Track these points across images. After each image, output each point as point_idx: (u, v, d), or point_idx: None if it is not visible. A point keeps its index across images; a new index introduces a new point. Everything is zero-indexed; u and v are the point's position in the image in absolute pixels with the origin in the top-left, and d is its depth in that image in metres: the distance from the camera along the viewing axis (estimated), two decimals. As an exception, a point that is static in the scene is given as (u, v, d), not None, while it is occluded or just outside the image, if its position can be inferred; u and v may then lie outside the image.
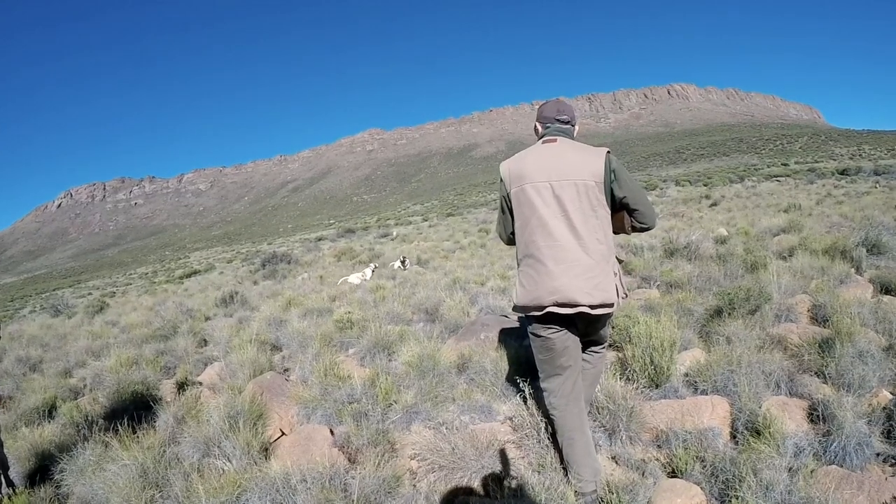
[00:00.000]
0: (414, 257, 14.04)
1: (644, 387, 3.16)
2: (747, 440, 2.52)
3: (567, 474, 2.42)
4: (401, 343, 4.43)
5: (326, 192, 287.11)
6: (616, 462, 2.67)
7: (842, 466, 2.36)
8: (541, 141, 2.49)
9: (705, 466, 2.42)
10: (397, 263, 12.60)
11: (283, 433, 3.42)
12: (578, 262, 2.27)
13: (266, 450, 3.05)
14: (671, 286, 5.48)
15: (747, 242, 7.72)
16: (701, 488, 2.31)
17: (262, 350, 4.87)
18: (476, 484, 2.58)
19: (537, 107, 2.63)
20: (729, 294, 4.22)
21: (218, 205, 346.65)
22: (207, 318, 8.23)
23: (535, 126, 2.59)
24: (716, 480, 2.33)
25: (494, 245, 14.91)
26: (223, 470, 2.73)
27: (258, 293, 10.87)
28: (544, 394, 2.53)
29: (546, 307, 2.31)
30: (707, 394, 3.03)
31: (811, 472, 2.26)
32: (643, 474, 2.50)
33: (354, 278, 10.77)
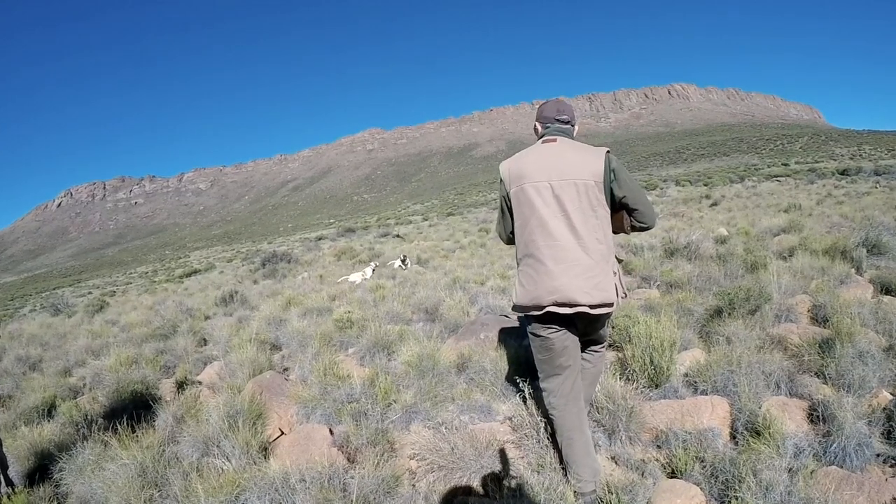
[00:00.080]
0: (414, 257, 14.04)
1: (644, 387, 3.16)
2: (747, 441, 2.52)
3: (566, 474, 2.42)
4: (400, 342, 4.43)
5: (326, 191, 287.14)
6: (615, 462, 2.67)
7: (842, 467, 2.36)
8: (540, 141, 2.48)
9: (705, 467, 2.42)
10: (398, 262, 12.59)
11: (283, 432, 3.41)
12: (578, 262, 2.27)
13: (265, 449, 3.04)
14: (671, 286, 5.48)
15: (747, 242, 7.71)
16: (700, 489, 2.30)
17: (262, 349, 4.87)
18: (475, 484, 2.58)
19: (537, 106, 2.63)
20: (729, 294, 4.21)
21: (218, 204, 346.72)
22: (207, 318, 8.23)
23: (535, 126, 2.59)
24: (715, 481, 2.33)
25: (494, 245, 14.90)
26: (222, 469, 2.73)
27: (258, 292, 10.86)
28: (543, 393, 2.53)
29: (545, 307, 2.31)
30: (707, 394, 3.03)
31: (811, 472, 2.26)
32: (643, 475, 2.50)
33: (355, 277, 10.77)
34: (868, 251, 5.82)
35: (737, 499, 2.16)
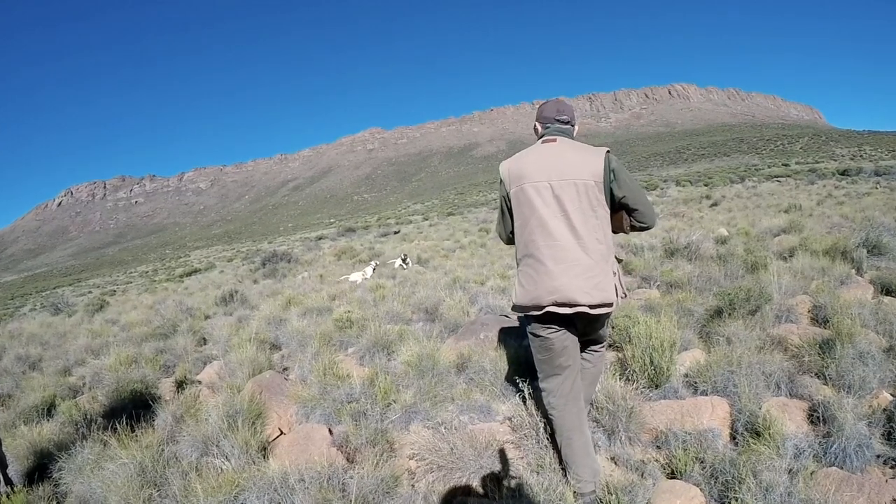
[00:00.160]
0: (414, 256, 14.03)
1: (644, 387, 3.15)
2: (747, 441, 2.51)
3: (566, 475, 2.41)
4: (400, 342, 4.43)
5: (327, 190, 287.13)
6: (615, 463, 2.66)
7: (842, 468, 2.35)
8: (540, 141, 2.48)
9: (705, 468, 2.41)
10: (398, 262, 12.60)
11: (282, 432, 3.41)
12: (578, 262, 2.27)
13: (265, 449, 3.04)
14: (671, 286, 5.48)
15: (748, 243, 7.71)
16: (700, 490, 2.30)
17: (262, 349, 4.87)
18: (474, 484, 2.57)
19: (538, 106, 2.63)
20: (729, 294, 4.21)
21: (218, 203, 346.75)
22: (207, 317, 8.23)
23: (535, 126, 2.59)
24: (715, 482, 2.32)
25: (494, 244, 14.90)
26: (221, 469, 2.72)
27: (258, 292, 10.86)
28: (543, 394, 2.53)
29: (545, 307, 2.31)
30: (707, 394, 3.02)
31: (811, 473, 2.25)
32: (642, 475, 2.50)
33: (356, 277, 10.77)
34: (868, 252, 5.82)
35: (737, 500, 2.15)
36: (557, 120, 2.50)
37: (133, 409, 3.92)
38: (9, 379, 5.73)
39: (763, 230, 9.30)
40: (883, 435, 2.56)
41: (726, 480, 2.28)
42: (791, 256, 6.01)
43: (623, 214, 2.48)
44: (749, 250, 6.57)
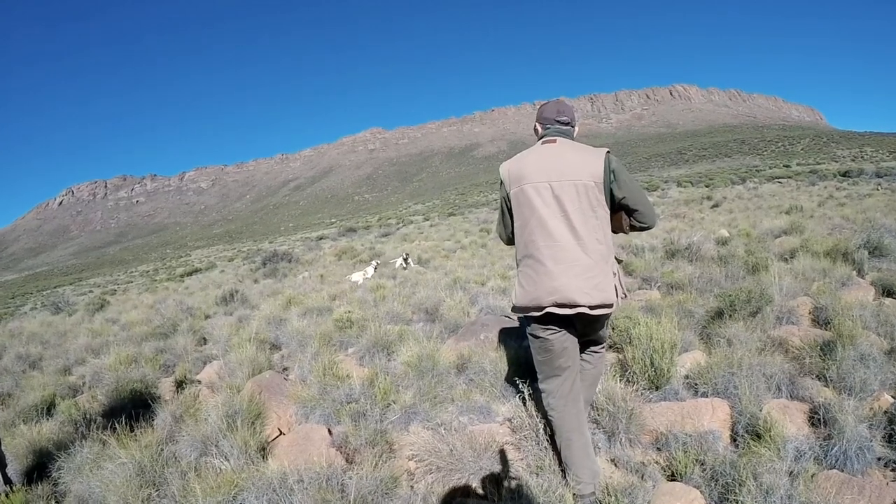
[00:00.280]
0: (415, 256, 14.03)
1: (644, 389, 3.14)
2: (747, 443, 2.51)
3: (565, 476, 2.40)
4: (400, 343, 4.42)
5: (328, 190, 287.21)
6: (615, 464, 2.66)
7: (842, 471, 2.34)
8: (540, 141, 2.48)
9: (705, 470, 2.40)
10: (399, 261, 12.60)
11: (282, 432, 3.40)
12: (577, 263, 2.26)
13: (264, 449, 3.03)
14: (672, 287, 5.47)
15: (749, 244, 7.70)
16: (700, 492, 2.29)
17: (262, 349, 4.86)
18: (474, 485, 2.57)
19: (538, 107, 2.63)
20: (730, 296, 4.20)
21: (219, 203, 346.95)
22: (207, 317, 8.23)
23: (535, 127, 2.58)
24: (715, 484, 2.32)
25: (495, 245, 14.89)
26: (220, 469, 2.72)
27: (258, 292, 10.86)
28: (542, 395, 2.52)
29: (545, 307, 2.30)
30: (707, 396, 3.01)
31: (812, 476, 2.25)
32: (642, 477, 2.49)
33: (357, 277, 10.77)
34: (869, 253, 5.81)
35: (737, 502, 2.14)
36: (558, 121, 2.50)
37: (132, 408, 3.92)
38: (9, 378, 5.73)
39: (764, 231, 9.29)
40: (884, 437, 2.55)
41: (727, 483, 2.27)
42: (792, 258, 6.00)
43: (622, 215, 2.48)
44: (750, 252, 6.57)
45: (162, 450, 2.99)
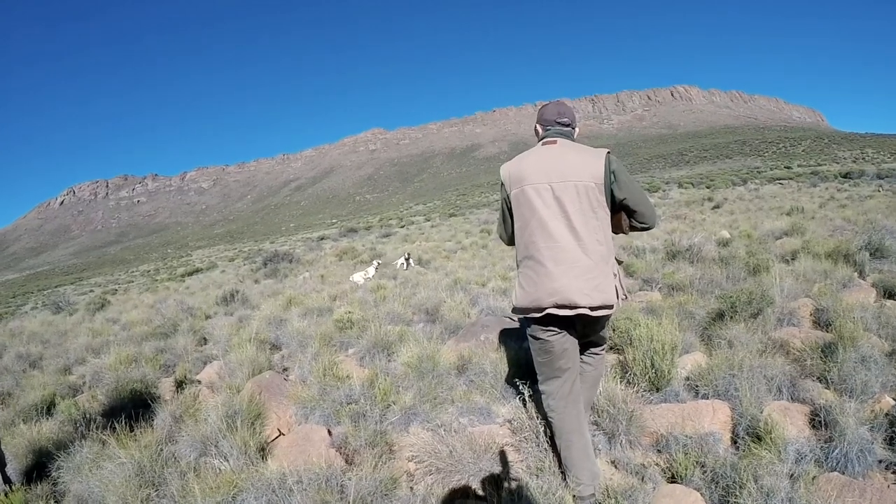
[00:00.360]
0: (415, 257, 14.03)
1: (644, 390, 3.14)
2: (748, 446, 2.50)
3: (565, 478, 2.40)
4: (400, 343, 4.42)
5: (329, 191, 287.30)
6: (615, 466, 2.65)
7: (843, 473, 2.34)
8: (541, 143, 2.48)
9: (705, 472, 2.40)
10: (401, 261, 12.59)
11: (281, 433, 3.40)
12: (578, 264, 2.26)
13: (263, 450, 3.03)
14: (673, 289, 5.46)
15: (750, 245, 7.69)
16: (701, 494, 2.29)
17: (262, 349, 4.86)
18: (473, 487, 2.56)
19: (539, 108, 2.62)
20: (731, 297, 4.19)
21: (220, 203, 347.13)
22: (208, 317, 8.23)
23: (536, 128, 2.58)
24: (716, 486, 2.31)
25: (496, 246, 14.89)
26: (220, 469, 2.72)
27: (259, 292, 10.86)
28: (542, 396, 2.52)
29: (545, 308, 2.30)
30: (708, 398, 3.01)
31: (812, 478, 2.24)
32: (642, 479, 2.48)
33: (358, 277, 10.77)
34: (871, 255, 5.80)
35: (737, 504, 2.14)
36: (558, 122, 2.49)
37: (132, 408, 3.91)
38: (9, 377, 5.73)
39: (765, 233, 9.29)
40: (885, 440, 2.54)
41: (727, 485, 2.27)
42: (793, 259, 6.00)
43: (622, 215, 2.47)
44: (751, 253, 6.56)
45: (161, 450, 2.98)
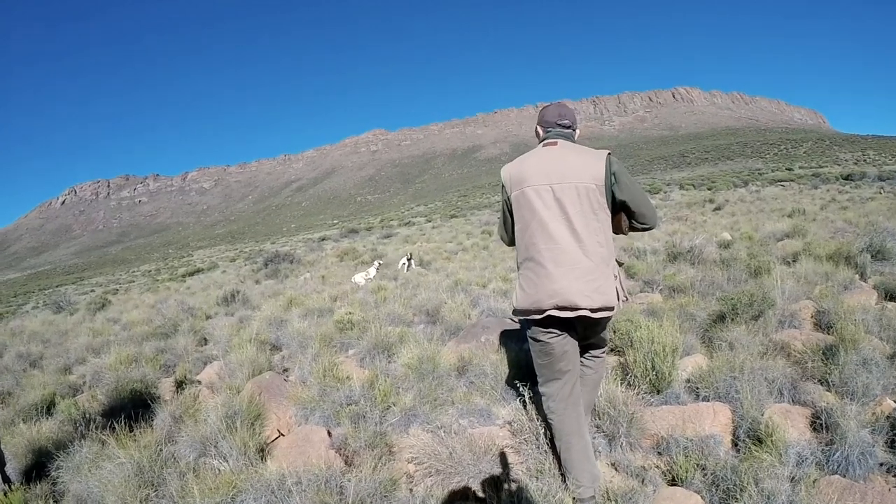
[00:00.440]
0: (416, 258, 14.03)
1: (645, 392, 3.14)
2: (749, 448, 2.49)
3: (565, 480, 2.39)
4: (401, 345, 4.41)
5: (330, 191, 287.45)
6: (616, 469, 2.64)
7: (844, 476, 2.33)
8: (541, 144, 2.47)
9: (706, 475, 2.39)
10: (404, 260, 12.58)
11: (281, 434, 3.40)
12: (578, 265, 2.25)
13: (263, 450, 3.03)
14: (674, 290, 5.46)
15: (751, 247, 7.69)
16: (701, 497, 2.28)
17: (262, 350, 4.85)
18: (473, 489, 2.55)
19: (540, 109, 2.62)
20: (732, 299, 4.18)
21: (222, 203, 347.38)
22: (208, 317, 8.23)
23: (537, 129, 2.58)
24: (716, 489, 2.30)
25: (497, 247, 14.89)
26: (219, 470, 2.71)
27: (260, 292, 10.87)
28: (542, 398, 2.51)
29: (546, 310, 2.29)
30: (709, 400, 3.00)
31: (813, 481, 2.23)
32: (643, 482, 2.48)
33: (359, 278, 10.76)
34: (872, 257, 5.79)
35: (738, 507, 2.13)
36: (559, 124, 2.49)
37: (132, 408, 3.91)
38: (9, 376, 5.73)
39: (766, 235, 9.28)
40: (886, 443, 2.53)
41: (728, 488, 2.26)
42: (794, 261, 5.99)
43: (621, 216, 2.46)
44: (752, 255, 6.55)
45: (161, 450, 2.98)
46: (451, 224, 31.15)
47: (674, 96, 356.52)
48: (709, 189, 31.01)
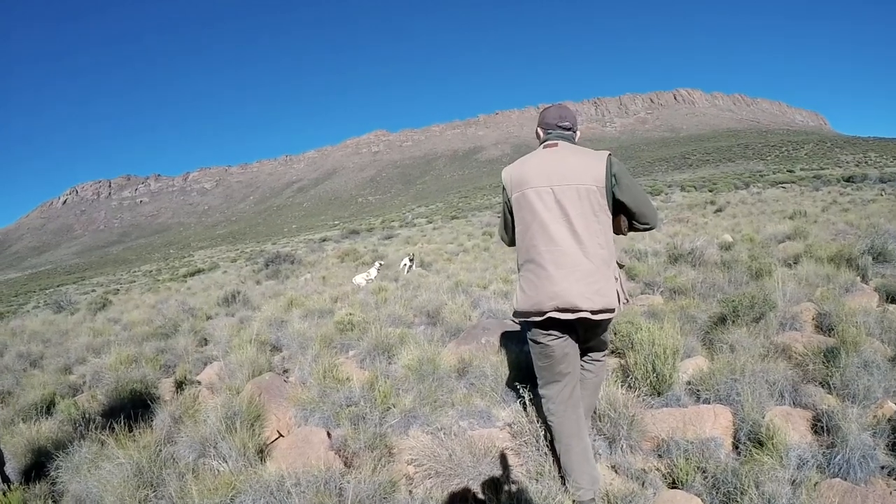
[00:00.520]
0: (417, 259, 14.02)
1: (646, 394, 3.13)
2: (750, 451, 2.48)
3: (565, 483, 2.38)
4: (401, 346, 4.41)
5: (331, 192, 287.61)
6: (616, 471, 2.63)
7: (845, 480, 2.32)
8: (542, 146, 2.47)
9: (706, 478, 2.38)
10: (406, 261, 12.56)
11: (281, 435, 3.39)
12: (579, 267, 2.24)
13: (262, 451, 3.02)
14: (675, 292, 5.44)
15: (752, 249, 7.67)
16: (702, 500, 2.27)
17: (262, 350, 4.85)
18: (473, 491, 2.55)
19: (541, 111, 2.62)
20: (733, 301, 4.18)
21: (223, 204, 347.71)
22: (209, 318, 8.23)
23: (537, 131, 2.57)
24: (717, 492, 2.29)
25: (498, 248, 14.89)
26: (218, 471, 2.71)
27: (261, 293, 10.87)
28: (542, 400, 2.50)
29: (547, 312, 2.28)
30: (710, 403, 3.00)
31: (814, 485, 2.22)
32: (643, 484, 2.47)
33: (360, 279, 10.75)
34: (873, 259, 5.79)
35: (738, 510, 2.12)
36: (559, 126, 2.48)
37: (132, 408, 3.91)
38: (9, 376, 5.73)
39: (768, 236, 9.26)
40: (887, 446, 2.52)
41: (728, 491, 2.25)
42: (796, 263, 5.98)
43: (621, 216, 2.46)
44: (753, 257, 6.54)
45: (160, 451, 2.97)
46: (451, 225, 31.13)
47: (675, 98, 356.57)
48: (710, 191, 30.99)
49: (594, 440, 2.74)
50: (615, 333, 3.77)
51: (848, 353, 3.11)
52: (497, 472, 2.62)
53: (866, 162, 54.67)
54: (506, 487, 2.50)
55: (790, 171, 43.85)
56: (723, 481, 2.30)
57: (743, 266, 5.96)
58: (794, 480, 2.26)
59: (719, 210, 19.41)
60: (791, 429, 2.63)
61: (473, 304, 6.17)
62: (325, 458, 2.77)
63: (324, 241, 34.09)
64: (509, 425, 2.96)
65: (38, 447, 3.45)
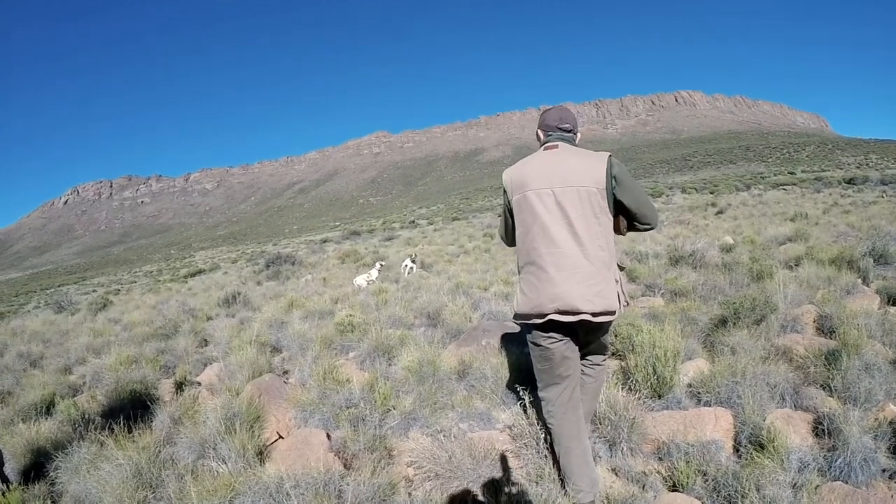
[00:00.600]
0: (418, 261, 14.01)
1: (646, 397, 3.12)
2: (751, 454, 2.47)
3: (565, 485, 2.38)
4: (401, 347, 4.40)
5: (332, 193, 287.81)
6: (616, 474, 2.63)
7: (847, 483, 2.31)
8: (542, 148, 2.46)
9: (707, 480, 2.38)
10: (408, 261, 12.53)
11: (280, 436, 3.38)
12: (580, 269, 2.24)
13: (262, 453, 3.02)
14: (676, 294, 5.44)
15: (753, 251, 7.66)
16: (702, 503, 2.26)
17: (262, 351, 4.85)
18: (473, 493, 2.54)
19: (541, 113, 2.61)
20: (734, 303, 4.17)
21: (224, 205, 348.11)
22: (209, 318, 8.22)
23: (538, 133, 2.57)
24: (718, 495, 2.29)
25: (498, 250, 14.88)
26: (217, 472, 2.70)
27: (261, 294, 10.86)
28: (542, 403, 2.50)
29: (547, 314, 2.28)
30: (710, 405, 2.99)
31: (815, 488, 2.21)
32: (643, 487, 2.46)
33: (360, 280, 10.74)
34: (875, 261, 5.78)
35: (739, 514, 2.11)
36: (560, 128, 2.48)
37: (132, 409, 3.90)
38: (9, 376, 5.73)
39: (769, 238, 9.25)
40: (889, 449, 2.51)
41: (729, 494, 2.24)
42: (797, 265, 5.97)
43: (620, 217, 2.45)
44: (754, 259, 6.53)
45: (159, 451, 2.97)
46: (452, 227, 31.13)
47: (676, 100, 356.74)
48: (711, 193, 30.98)
49: (594, 443, 2.74)
50: (616, 335, 3.77)
51: (849, 355, 3.10)
52: (497, 474, 2.62)
53: (867, 164, 54.67)
54: (506, 490, 2.49)
55: (791, 173, 43.83)
56: (723, 484, 2.29)
57: (744, 268, 5.95)
58: (795, 483, 2.25)
59: (720, 212, 19.39)
60: (792, 431, 2.62)
61: (474, 305, 6.16)
62: (325, 459, 2.77)
63: (325, 242, 34.11)
64: (509, 427, 2.95)
65: (37, 447, 3.45)
